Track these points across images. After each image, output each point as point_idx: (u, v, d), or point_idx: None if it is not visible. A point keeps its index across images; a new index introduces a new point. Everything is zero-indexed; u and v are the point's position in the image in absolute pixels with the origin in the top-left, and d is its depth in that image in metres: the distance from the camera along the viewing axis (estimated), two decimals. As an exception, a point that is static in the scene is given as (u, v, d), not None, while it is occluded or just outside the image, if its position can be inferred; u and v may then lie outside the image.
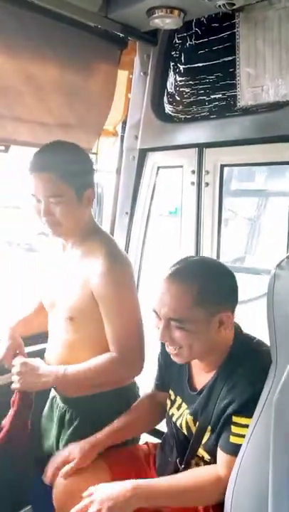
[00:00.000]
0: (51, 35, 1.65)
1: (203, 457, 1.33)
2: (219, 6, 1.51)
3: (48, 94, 1.73)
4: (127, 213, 2.14)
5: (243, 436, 1.18)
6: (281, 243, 1.80)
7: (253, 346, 1.30)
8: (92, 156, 2.00)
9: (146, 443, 1.61)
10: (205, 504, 1.29)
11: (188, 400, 1.38)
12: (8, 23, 1.52)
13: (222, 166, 1.87)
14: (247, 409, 1.18)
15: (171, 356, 1.32)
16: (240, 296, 1.31)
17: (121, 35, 1.83)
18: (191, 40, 1.83)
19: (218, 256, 1.92)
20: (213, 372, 1.30)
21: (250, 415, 1.16)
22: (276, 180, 7.72)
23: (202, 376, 1.35)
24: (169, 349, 1.31)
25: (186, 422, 1.36)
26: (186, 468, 1.35)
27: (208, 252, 1.92)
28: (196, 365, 1.39)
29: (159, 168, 2.08)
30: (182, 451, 1.37)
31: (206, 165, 1.88)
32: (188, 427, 1.36)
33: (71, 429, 1.56)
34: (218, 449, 1.25)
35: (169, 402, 1.46)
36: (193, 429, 1.34)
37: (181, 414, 1.39)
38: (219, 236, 1.91)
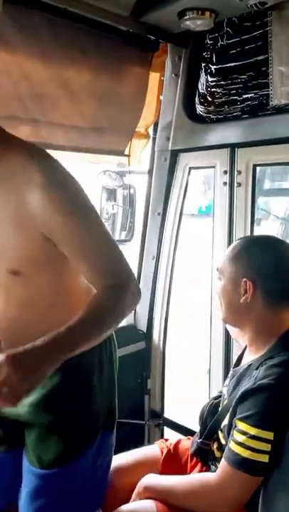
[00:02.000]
0: (84, 41, 1.68)
1: (221, 443, 1.24)
2: (251, 5, 1.51)
3: (81, 99, 1.76)
4: (158, 214, 2.15)
5: (240, 444, 1.07)
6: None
7: None
8: (124, 158, 2.03)
9: (162, 441, 1.55)
10: (195, 509, 1.18)
11: (230, 375, 1.33)
12: (43, 30, 1.56)
13: (254, 166, 1.86)
14: (240, 409, 1.11)
15: None
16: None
17: (152, 38, 1.84)
18: (222, 40, 1.81)
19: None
20: (257, 356, 1.23)
21: (243, 419, 1.09)
22: (310, 179, 7.57)
23: (249, 355, 1.29)
24: None
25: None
26: (205, 452, 1.30)
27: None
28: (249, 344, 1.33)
29: (190, 168, 2.08)
30: (204, 429, 1.33)
31: (239, 165, 1.87)
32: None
33: (48, 387, 1.16)
34: None
35: None
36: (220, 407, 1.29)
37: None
38: (252, 236, 1.89)
